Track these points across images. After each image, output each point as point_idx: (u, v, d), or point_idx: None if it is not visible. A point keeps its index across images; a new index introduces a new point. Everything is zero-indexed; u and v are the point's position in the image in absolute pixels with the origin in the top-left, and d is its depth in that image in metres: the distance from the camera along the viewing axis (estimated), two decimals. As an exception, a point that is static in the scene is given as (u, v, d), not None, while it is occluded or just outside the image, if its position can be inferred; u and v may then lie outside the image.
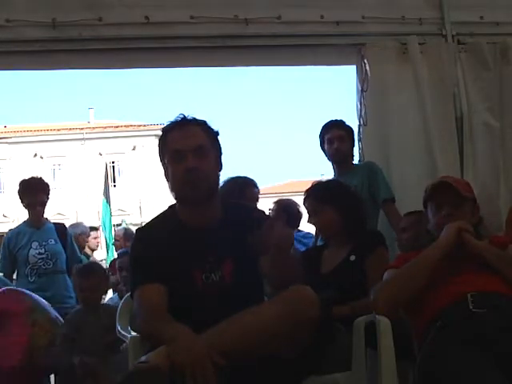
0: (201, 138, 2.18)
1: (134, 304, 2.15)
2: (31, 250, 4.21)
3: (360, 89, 3.99)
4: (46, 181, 4.44)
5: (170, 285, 2.08)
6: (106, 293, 3.80)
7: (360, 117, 4.00)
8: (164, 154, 2.21)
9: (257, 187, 3.58)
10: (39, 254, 4.21)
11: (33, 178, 4.37)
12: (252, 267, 2.14)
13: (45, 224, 4.36)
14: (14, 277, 4.37)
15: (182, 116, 2.21)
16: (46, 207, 4.34)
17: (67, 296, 4.24)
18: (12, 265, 4.28)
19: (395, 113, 3.96)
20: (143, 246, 2.19)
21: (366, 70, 3.96)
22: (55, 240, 4.31)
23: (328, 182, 3.39)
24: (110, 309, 3.31)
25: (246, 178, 3.57)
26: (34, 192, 4.24)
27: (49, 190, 4.35)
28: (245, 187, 3.45)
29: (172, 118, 2.23)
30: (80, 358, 3.03)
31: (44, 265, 4.20)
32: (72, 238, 4.57)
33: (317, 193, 3.01)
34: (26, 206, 4.26)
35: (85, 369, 2.72)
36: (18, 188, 4.29)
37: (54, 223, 4.48)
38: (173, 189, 2.19)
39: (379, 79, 3.96)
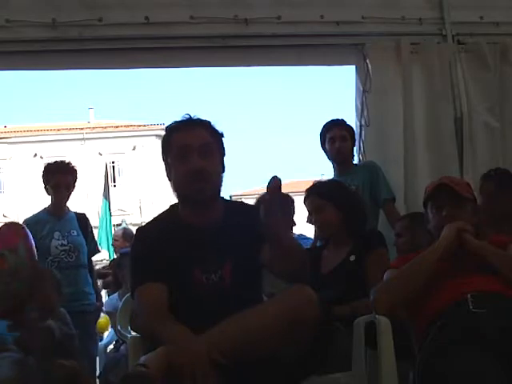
0: (206, 137, 2.17)
1: (134, 303, 2.15)
2: (53, 240, 3.91)
3: (361, 89, 3.99)
4: (75, 166, 4.12)
5: (170, 284, 2.08)
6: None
7: (361, 117, 4.00)
8: (167, 153, 2.20)
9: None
10: (61, 245, 3.92)
11: (60, 161, 4.08)
12: (251, 268, 2.14)
13: (67, 213, 4.06)
14: None
15: (187, 116, 2.20)
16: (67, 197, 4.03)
17: (88, 293, 4.02)
18: None
19: (395, 113, 3.96)
20: (143, 245, 2.19)
21: (366, 70, 3.96)
22: (77, 231, 4.03)
23: (329, 181, 3.40)
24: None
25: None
26: (60, 172, 3.94)
27: (76, 175, 4.06)
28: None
29: (175, 118, 2.23)
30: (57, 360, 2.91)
31: (66, 257, 3.91)
32: (93, 230, 4.29)
33: (319, 191, 3.01)
34: (50, 188, 3.97)
35: (62, 371, 2.62)
36: (42, 172, 4.02)
37: (76, 213, 4.16)
38: (176, 188, 2.18)
39: (379, 79, 3.97)
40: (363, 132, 3.99)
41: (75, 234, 4.02)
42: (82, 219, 4.14)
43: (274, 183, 1.87)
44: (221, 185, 2.23)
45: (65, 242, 3.94)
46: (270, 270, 2.17)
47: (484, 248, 2.33)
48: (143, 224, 2.42)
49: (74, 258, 3.94)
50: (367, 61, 3.95)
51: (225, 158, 2.24)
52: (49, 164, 4.11)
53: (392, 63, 3.98)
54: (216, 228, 2.16)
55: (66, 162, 4.09)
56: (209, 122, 2.22)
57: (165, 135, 2.24)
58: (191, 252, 2.13)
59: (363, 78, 3.98)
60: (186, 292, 2.08)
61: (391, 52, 3.99)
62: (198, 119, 2.21)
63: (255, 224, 2.13)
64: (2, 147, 26.85)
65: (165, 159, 2.22)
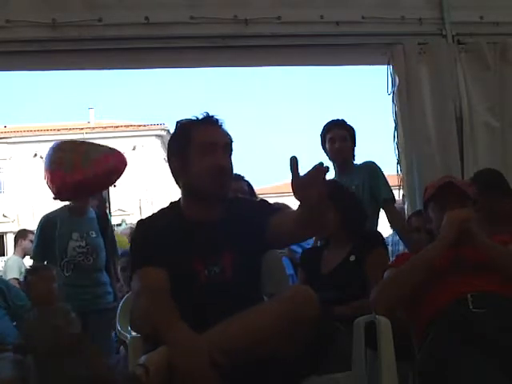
0: (229, 138, 2.22)
1: (133, 287, 2.13)
2: (71, 241, 3.82)
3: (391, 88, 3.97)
4: None
5: (171, 277, 2.06)
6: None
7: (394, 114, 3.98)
8: (187, 145, 2.16)
9: (245, 180, 3.57)
10: (79, 247, 3.82)
11: None
12: (252, 261, 2.16)
13: (87, 212, 3.95)
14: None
15: (212, 115, 2.21)
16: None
17: (107, 292, 3.96)
18: (45, 254, 3.88)
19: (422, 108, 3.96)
20: (144, 236, 2.18)
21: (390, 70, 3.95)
22: (96, 232, 3.93)
23: (328, 181, 3.39)
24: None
25: (234, 174, 3.59)
26: None
27: None
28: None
29: (176, 118, 2.24)
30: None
31: (84, 260, 3.83)
32: (114, 230, 4.15)
33: None
34: None
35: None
36: None
37: (97, 212, 4.04)
38: (195, 181, 2.15)
39: (403, 79, 3.96)
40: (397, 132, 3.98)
41: (94, 235, 3.92)
42: (102, 219, 4.05)
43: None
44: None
45: (83, 244, 3.85)
46: (287, 232, 2.15)
47: (491, 246, 2.30)
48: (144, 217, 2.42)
49: (92, 261, 3.86)
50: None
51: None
52: None
53: (401, 63, 3.97)
54: (215, 221, 2.17)
55: None
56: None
57: (186, 128, 2.21)
58: (191, 245, 2.13)
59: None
60: (187, 284, 2.08)
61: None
62: (221, 121, 2.23)
63: (254, 218, 2.15)
64: (2, 147, 26.84)
65: (180, 151, 2.18)
